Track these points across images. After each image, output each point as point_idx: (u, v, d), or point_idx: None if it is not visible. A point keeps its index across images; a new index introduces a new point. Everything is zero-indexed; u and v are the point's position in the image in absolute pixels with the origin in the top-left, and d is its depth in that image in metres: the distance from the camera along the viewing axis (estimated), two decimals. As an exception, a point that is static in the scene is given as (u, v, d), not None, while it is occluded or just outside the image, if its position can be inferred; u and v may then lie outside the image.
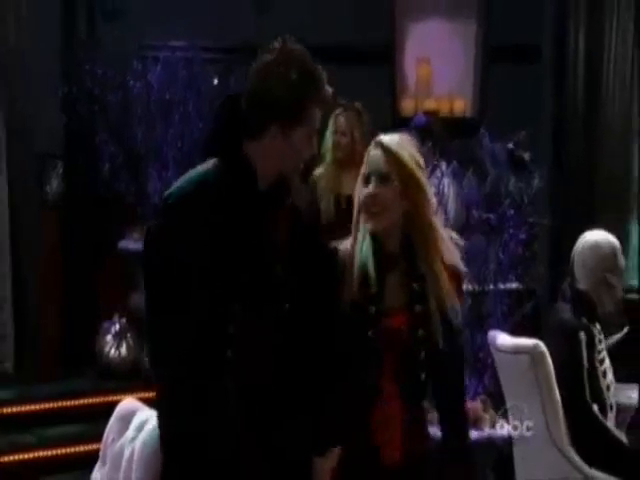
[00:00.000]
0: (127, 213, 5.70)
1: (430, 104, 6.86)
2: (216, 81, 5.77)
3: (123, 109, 5.72)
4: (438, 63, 6.98)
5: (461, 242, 2.61)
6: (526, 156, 5.09)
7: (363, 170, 2.54)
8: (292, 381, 2.29)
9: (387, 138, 2.54)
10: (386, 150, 2.50)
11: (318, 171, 5.20)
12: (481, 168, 4.91)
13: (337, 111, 5.20)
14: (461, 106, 6.97)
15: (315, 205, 4.95)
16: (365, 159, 2.55)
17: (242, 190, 2.25)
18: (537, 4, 6.42)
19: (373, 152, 2.53)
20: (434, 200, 2.58)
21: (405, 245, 2.52)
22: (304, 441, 2.31)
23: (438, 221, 2.56)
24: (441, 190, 4.53)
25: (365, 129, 5.14)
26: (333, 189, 5.11)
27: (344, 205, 4.91)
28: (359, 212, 2.54)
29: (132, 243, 5.69)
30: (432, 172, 4.87)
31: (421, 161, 2.54)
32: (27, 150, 5.81)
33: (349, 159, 5.07)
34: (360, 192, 2.53)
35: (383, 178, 2.50)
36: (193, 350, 2.21)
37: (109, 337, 5.75)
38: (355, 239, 2.54)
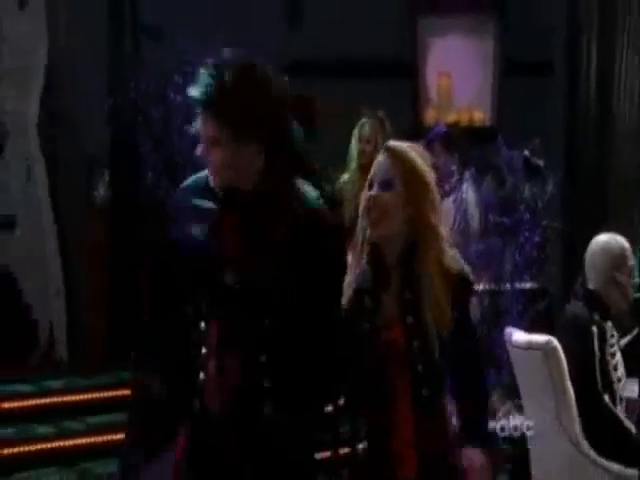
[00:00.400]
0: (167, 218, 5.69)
1: (451, 115, 6.81)
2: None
3: (164, 121, 5.72)
4: (458, 77, 6.94)
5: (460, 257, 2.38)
6: (540, 163, 5.02)
7: (369, 176, 2.38)
8: (282, 383, 2.12)
9: (395, 144, 2.38)
10: (392, 155, 2.34)
11: (344, 177, 5.15)
12: (498, 174, 4.87)
13: (362, 120, 5.16)
14: (480, 117, 6.92)
15: (334, 210, 4.78)
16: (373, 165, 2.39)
17: (208, 197, 2.18)
18: (551, 21, 6.35)
19: (380, 157, 2.37)
20: (441, 209, 2.38)
21: (405, 254, 2.31)
22: (302, 441, 2.15)
23: (444, 230, 2.35)
24: (459, 197, 4.48)
25: (388, 137, 5.09)
26: (357, 195, 5.06)
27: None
28: (362, 218, 2.36)
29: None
30: (459, 179, 4.83)
31: (429, 170, 2.35)
32: (76, 157, 5.84)
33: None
34: (363, 197, 2.38)
35: (386, 184, 2.32)
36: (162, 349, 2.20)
37: (151, 332, 5.74)
38: (355, 247, 2.36)
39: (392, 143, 2.39)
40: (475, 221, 4.90)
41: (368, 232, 2.34)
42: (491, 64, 6.98)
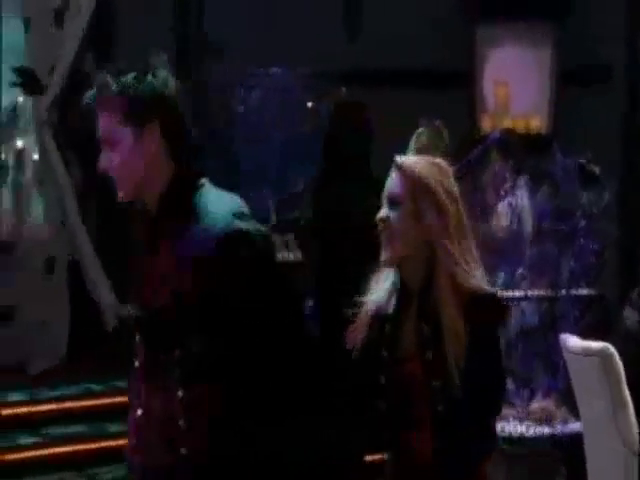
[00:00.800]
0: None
1: (507, 123, 6.73)
2: (310, 104, 5.76)
3: (229, 131, 5.77)
4: (515, 85, 6.86)
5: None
6: (597, 170, 4.92)
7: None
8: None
9: (404, 159, 2.13)
10: (400, 171, 2.09)
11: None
12: (554, 182, 4.79)
13: (419, 129, 5.11)
14: (537, 125, 6.81)
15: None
16: None
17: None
18: (609, 29, 6.23)
19: (390, 175, 2.12)
20: (464, 225, 2.08)
21: (427, 279, 2.04)
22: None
23: (458, 248, 2.04)
24: (514, 201, 4.43)
25: (445, 146, 5.04)
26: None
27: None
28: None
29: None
30: (512, 185, 4.77)
31: (444, 183, 2.09)
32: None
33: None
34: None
35: (394, 201, 2.07)
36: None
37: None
38: (376, 272, 2.11)
39: (400, 158, 2.15)
40: (528, 226, 4.83)
41: (382, 256, 2.09)
42: (548, 72, 6.87)
